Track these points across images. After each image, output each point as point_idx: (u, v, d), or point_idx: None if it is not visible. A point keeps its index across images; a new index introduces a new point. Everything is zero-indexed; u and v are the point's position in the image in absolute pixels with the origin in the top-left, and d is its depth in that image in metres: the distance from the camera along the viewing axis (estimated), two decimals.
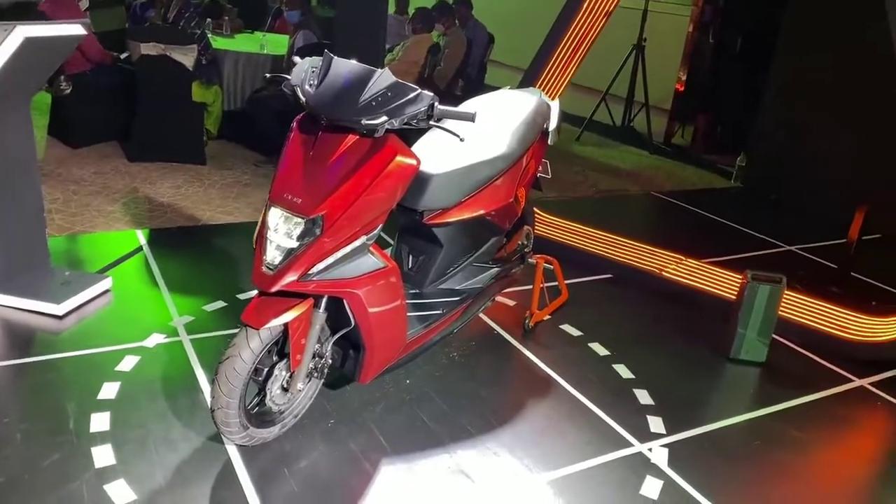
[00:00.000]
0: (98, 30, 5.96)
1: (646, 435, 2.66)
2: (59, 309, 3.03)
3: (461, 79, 6.89)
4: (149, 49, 5.10)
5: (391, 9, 7.71)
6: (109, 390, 2.60)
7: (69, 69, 5.19)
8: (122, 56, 5.64)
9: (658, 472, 2.47)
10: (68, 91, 5.23)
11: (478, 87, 7.46)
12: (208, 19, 6.55)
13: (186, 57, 5.16)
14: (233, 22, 6.77)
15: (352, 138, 2.15)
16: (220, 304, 3.30)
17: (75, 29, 2.89)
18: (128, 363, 2.77)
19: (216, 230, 4.23)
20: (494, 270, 2.91)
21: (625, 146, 7.28)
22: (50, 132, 5.57)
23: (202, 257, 3.85)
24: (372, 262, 2.25)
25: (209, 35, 5.94)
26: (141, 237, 3.96)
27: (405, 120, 2.13)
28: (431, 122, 2.20)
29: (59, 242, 3.82)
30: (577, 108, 7.59)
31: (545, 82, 4.17)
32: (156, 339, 2.95)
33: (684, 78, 7.41)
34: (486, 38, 7.42)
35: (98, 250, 3.79)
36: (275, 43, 6.41)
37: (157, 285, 3.43)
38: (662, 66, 7.39)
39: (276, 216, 2.13)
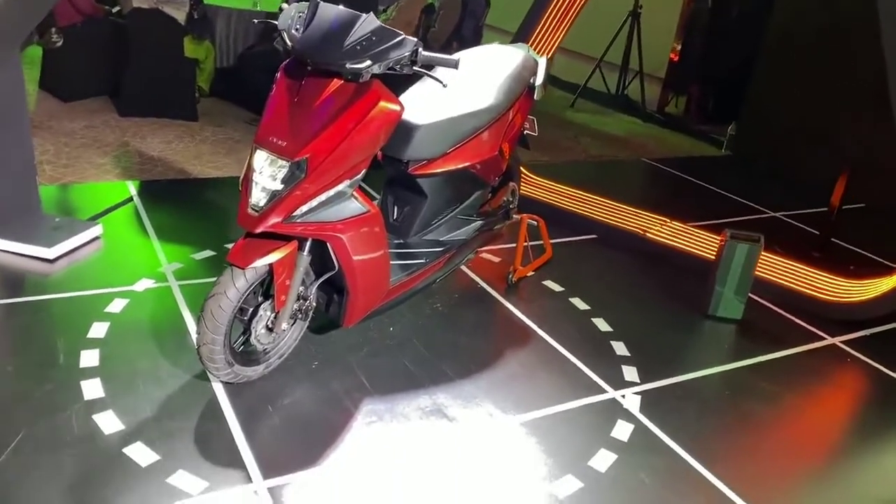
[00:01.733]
0: None
1: (620, 383, 2.76)
2: (50, 253, 3.08)
3: (456, 42, 6.87)
4: (140, 2, 5.09)
5: None
6: (99, 329, 2.67)
7: (60, 22, 5.14)
8: (114, 10, 5.60)
9: (629, 417, 2.57)
10: (59, 44, 5.16)
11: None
12: None
13: (178, 11, 5.17)
14: None
15: (336, 83, 2.19)
16: (208, 252, 3.35)
17: None
18: (117, 305, 2.84)
19: (206, 184, 4.27)
20: (478, 223, 2.97)
21: (618, 114, 7.30)
22: (41, 85, 5.49)
23: (191, 209, 3.90)
24: (355, 206, 2.30)
25: None
26: (132, 188, 4.00)
27: (389, 64, 2.18)
28: (415, 68, 2.24)
29: (51, 191, 3.87)
30: (571, 74, 7.60)
31: (536, 41, 4.19)
32: (145, 284, 3.01)
33: (679, 47, 7.39)
34: (483, 2, 7.38)
35: (89, 200, 3.83)
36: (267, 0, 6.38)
37: (147, 234, 3.47)
38: (658, 34, 7.37)
39: (261, 159, 2.18)
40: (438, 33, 6.58)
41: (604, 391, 2.69)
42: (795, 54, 5.71)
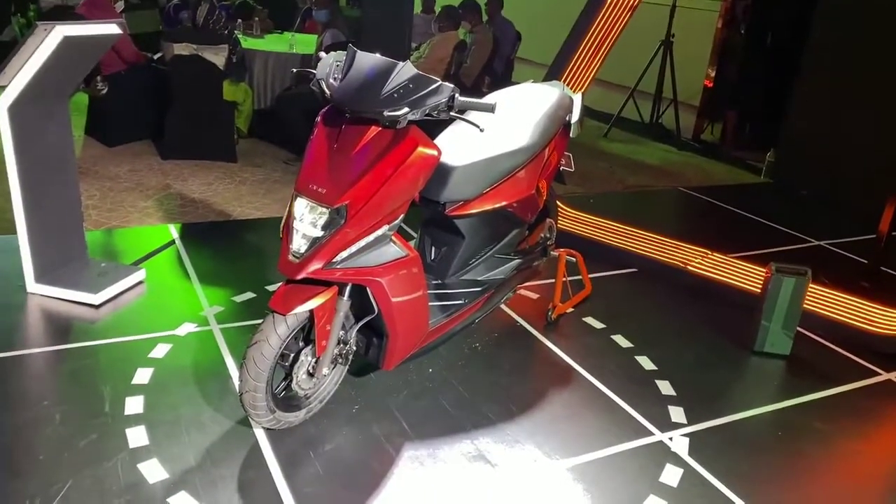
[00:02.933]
0: (133, 31, 6.11)
1: (666, 424, 2.68)
2: (96, 298, 3.15)
3: (487, 76, 6.93)
4: (181, 49, 5.24)
5: (417, 8, 7.81)
6: (143, 375, 2.70)
7: (105, 70, 5.36)
8: (156, 56, 5.79)
9: (678, 461, 2.49)
10: (105, 91, 5.41)
11: (504, 84, 7.49)
12: (239, 20, 6.70)
13: (217, 56, 5.30)
14: (263, 22, 6.91)
15: (374, 130, 2.21)
16: (249, 295, 3.39)
17: (111, 28, 3.00)
18: (160, 350, 2.87)
19: (246, 225, 4.33)
20: (516, 262, 2.95)
21: (653, 142, 7.27)
22: (87, 131, 5.75)
23: (232, 251, 3.95)
24: (394, 250, 2.30)
25: (238, 35, 6.07)
26: (173, 231, 4.08)
27: (426, 111, 2.19)
28: (452, 113, 2.25)
29: (96, 236, 3.96)
30: (605, 104, 7.60)
31: (569, 77, 4.20)
32: (187, 328, 3.05)
33: (713, 74, 7.35)
34: (514, 36, 7.46)
35: (132, 244, 3.91)
36: (304, 42, 6.53)
37: (189, 277, 3.53)
38: (691, 62, 7.34)
39: (301, 206, 2.20)
40: (470, 68, 6.65)
41: (650, 433, 2.62)
42: (833, 77, 5.62)
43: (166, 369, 2.76)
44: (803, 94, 5.94)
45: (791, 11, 6.59)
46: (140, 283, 3.40)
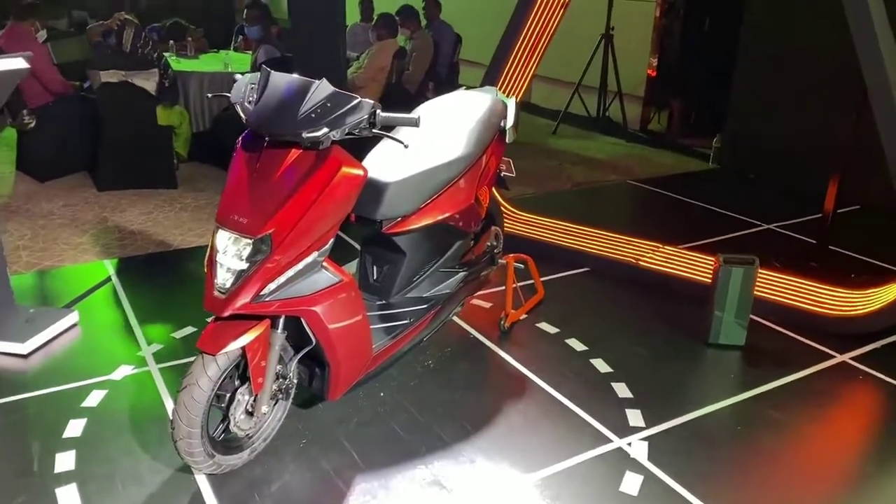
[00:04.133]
0: (60, 61, 5.89)
1: (625, 429, 2.63)
2: (24, 348, 2.99)
3: (431, 81, 6.86)
4: (109, 77, 5.05)
5: (356, 17, 7.70)
6: (75, 427, 2.55)
7: (31, 103, 5.15)
8: (85, 85, 5.58)
9: (638, 467, 2.43)
10: (32, 125, 5.18)
11: (449, 87, 7.42)
12: (171, 41, 6.51)
13: (148, 81, 5.13)
14: (197, 42, 6.73)
15: (295, 152, 2.12)
16: (189, 329, 3.25)
17: (16, 63, 2.84)
18: (94, 398, 2.73)
19: (187, 254, 4.18)
20: (462, 274, 2.88)
21: (601, 136, 7.26)
22: (18, 167, 5.51)
23: (172, 283, 3.80)
24: (326, 277, 2.21)
25: (170, 57, 5.89)
26: (109, 267, 3.92)
27: (347, 130, 2.10)
28: (375, 131, 2.17)
29: (26, 279, 3.78)
30: (552, 101, 7.59)
31: (506, 80, 4.13)
32: (123, 371, 2.91)
33: (655, 63, 7.38)
34: (454, 39, 7.39)
35: (65, 284, 3.75)
36: (238, 61, 6.37)
37: (126, 315, 3.38)
38: (633, 53, 7.36)
39: (223, 238, 2.10)
40: (413, 75, 6.57)
41: (609, 440, 2.56)
42: (773, 58, 5.66)
43: (100, 418, 2.62)
44: (744, 77, 5.97)
45: None
46: (73, 326, 3.24)
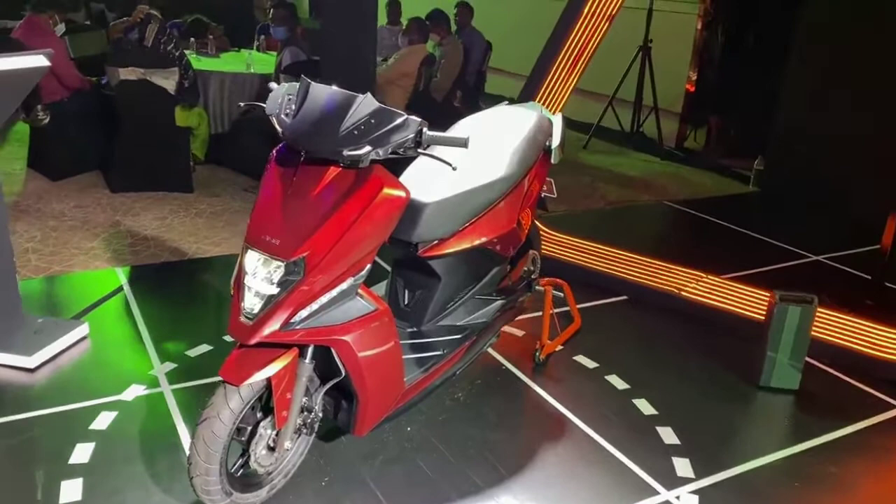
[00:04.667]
0: (77, 55, 5.88)
1: (672, 480, 2.50)
2: (31, 361, 2.91)
3: (459, 90, 6.79)
4: (128, 74, 5.00)
5: (382, 20, 7.64)
6: (82, 453, 2.47)
7: (46, 98, 5.11)
8: (103, 82, 5.54)
9: None
10: (46, 121, 5.15)
11: (477, 96, 7.38)
12: (191, 39, 6.47)
13: (168, 81, 5.08)
14: (218, 40, 6.69)
15: (334, 171, 2.04)
16: (205, 347, 3.17)
17: (38, 60, 2.77)
18: (103, 420, 2.65)
19: (203, 264, 4.11)
20: (499, 302, 2.79)
21: (635, 153, 7.16)
22: (29, 164, 5.48)
23: (187, 296, 3.73)
24: (361, 305, 2.12)
25: (190, 56, 5.84)
26: (121, 275, 3.85)
27: (391, 149, 2.02)
28: (420, 150, 2.08)
29: (35, 285, 3.71)
30: (583, 114, 7.49)
31: (546, 94, 4.04)
32: (135, 391, 2.83)
33: (695, 78, 7.28)
34: (485, 46, 7.32)
35: (75, 292, 3.68)
36: (261, 61, 6.32)
37: (138, 329, 3.31)
38: (671, 67, 7.28)
39: (253, 260, 2.02)
40: (441, 83, 6.49)
41: (656, 492, 2.44)
42: (823, 75, 5.50)
43: (110, 443, 2.53)
44: (790, 96, 5.83)
45: (773, 10, 6.51)
46: (83, 339, 3.17)
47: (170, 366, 3.02)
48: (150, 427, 2.64)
